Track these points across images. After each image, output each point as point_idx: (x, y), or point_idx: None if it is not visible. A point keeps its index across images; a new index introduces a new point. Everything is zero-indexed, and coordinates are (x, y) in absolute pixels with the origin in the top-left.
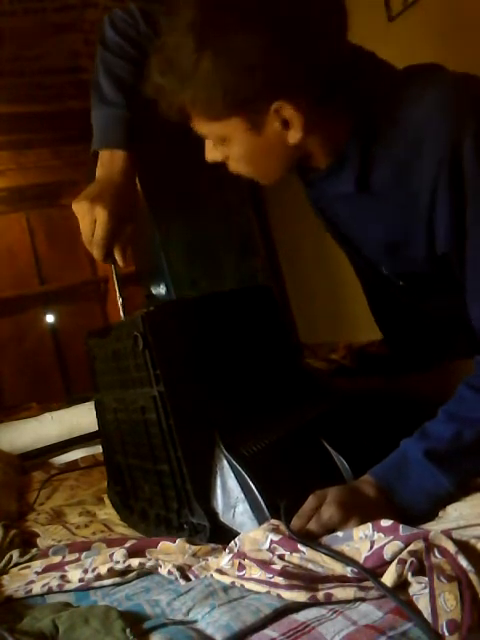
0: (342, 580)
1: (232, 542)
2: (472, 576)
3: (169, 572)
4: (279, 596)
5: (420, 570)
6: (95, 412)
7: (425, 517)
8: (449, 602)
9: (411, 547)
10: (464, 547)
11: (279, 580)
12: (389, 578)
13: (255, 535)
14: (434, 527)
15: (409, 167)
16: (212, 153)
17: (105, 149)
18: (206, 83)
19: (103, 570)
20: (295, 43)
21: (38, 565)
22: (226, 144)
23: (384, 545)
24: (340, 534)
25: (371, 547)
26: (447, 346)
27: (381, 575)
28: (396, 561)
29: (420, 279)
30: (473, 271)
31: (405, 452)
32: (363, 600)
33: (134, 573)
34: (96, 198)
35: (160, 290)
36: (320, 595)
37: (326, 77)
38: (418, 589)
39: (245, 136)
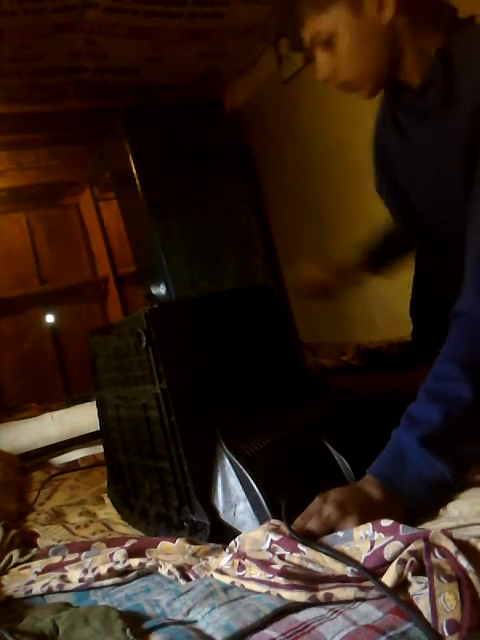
0: (342, 580)
1: (232, 542)
2: (472, 576)
3: (169, 572)
4: (279, 596)
5: (420, 570)
6: (96, 410)
7: (426, 508)
8: (449, 602)
9: (411, 547)
10: (464, 547)
11: (279, 580)
12: (389, 578)
13: (255, 535)
14: (434, 525)
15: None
16: (322, 69)
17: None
18: None
19: (103, 570)
20: None
21: (38, 565)
22: (334, 41)
23: (384, 545)
24: (340, 534)
25: (371, 547)
26: None
27: (381, 575)
28: (396, 561)
29: (456, 231)
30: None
31: (400, 444)
32: (363, 600)
33: (134, 573)
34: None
35: (160, 290)
36: (320, 595)
37: None
38: (418, 589)
39: (348, 22)
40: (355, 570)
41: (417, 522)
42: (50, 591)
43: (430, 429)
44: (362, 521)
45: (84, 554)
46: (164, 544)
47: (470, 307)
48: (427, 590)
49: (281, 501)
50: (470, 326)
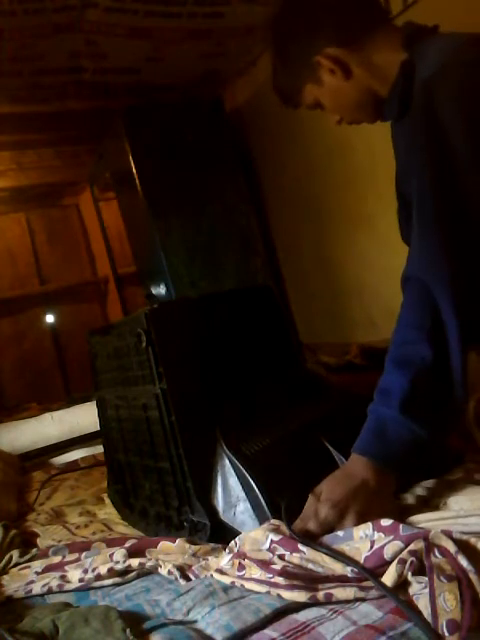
0: (342, 580)
1: (232, 542)
2: (472, 576)
3: (169, 572)
4: (279, 596)
5: (420, 570)
6: (96, 410)
7: (411, 468)
8: (449, 602)
9: (411, 547)
10: (464, 547)
11: (279, 580)
12: (389, 578)
13: (255, 535)
14: (435, 518)
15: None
16: (331, 119)
17: None
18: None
19: (103, 570)
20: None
21: (38, 565)
22: (321, 103)
23: (384, 545)
24: (340, 534)
25: (371, 547)
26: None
27: (381, 575)
28: (396, 561)
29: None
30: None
31: (379, 416)
32: (363, 600)
33: (134, 573)
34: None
35: (160, 290)
36: (320, 595)
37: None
38: (418, 589)
39: (319, 91)
40: (355, 570)
41: (418, 511)
42: (50, 591)
43: (402, 395)
44: (360, 519)
45: (84, 554)
46: (164, 544)
47: (415, 271)
48: (427, 590)
49: (281, 501)
50: (418, 288)
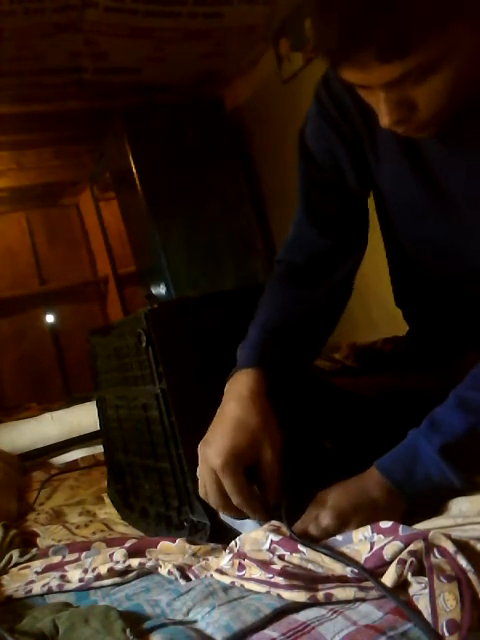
0: (342, 580)
1: (232, 542)
2: (472, 576)
3: (169, 572)
4: (279, 596)
5: (420, 570)
6: (96, 410)
7: (427, 507)
8: (449, 602)
9: (411, 547)
10: (464, 547)
11: (279, 580)
12: (389, 578)
13: (256, 535)
14: (433, 523)
15: None
16: (399, 110)
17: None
18: None
19: (103, 570)
20: None
21: (38, 565)
22: (437, 70)
23: (384, 546)
24: (340, 538)
25: (371, 548)
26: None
27: (381, 575)
28: (396, 561)
29: None
30: None
31: (416, 446)
32: (363, 600)
33: (134, 573)
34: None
35: (160, 290)
36: (320, 595)
37: None
38: (418, 589)
39: (465, 41)
40: (355, 570)
41: (415, 518)
42: (50, 591)
43: (451, 438)
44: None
45: (84, 554)
46: (164, 544)
47: None
48: (427, 590)
49: (281, 501)
50: None
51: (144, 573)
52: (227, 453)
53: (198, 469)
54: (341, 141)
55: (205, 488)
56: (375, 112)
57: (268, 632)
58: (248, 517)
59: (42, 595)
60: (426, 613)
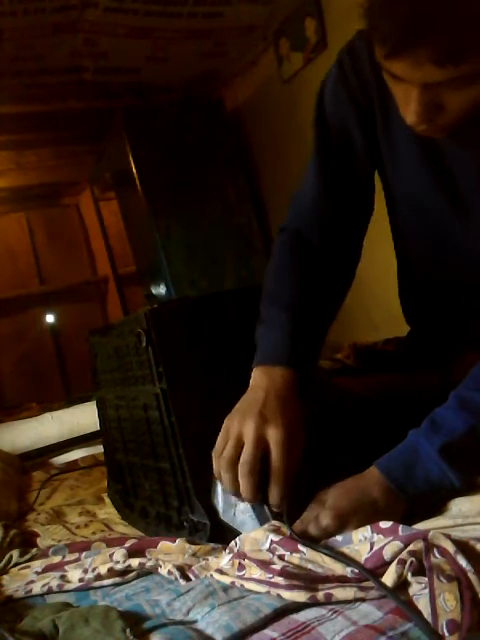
0: (342, 580)
1: (232, 542)
2: (472, 576)
3: (169, 572)
4: (279, 596)
5: (420, 570)
6: (96, 410)
7: (427, 508)
8: (449, 602)
9: (411, 547)
10: (463, 547)
11: (279, 580)
12: (389, 578)
13: (256, 535)
14: (432, 523)
15: None
16: (425, 112)
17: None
18: None
19: (103, 570)
20: None
21: (38, 565)
22: (477, 82)
23: (384, 546)
24: (339, 538)
25: (371, 548)
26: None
27: (381, 576)
28: (396, 561)
29: None
30: None
31: (416, 446)
32: (363, 600)
33: (134, 573)
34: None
35: (160, 290)
36: (320, 595)
37: None
38: (418, 589)
39: None
40: (355, 570)
41: (415, 519)
42: (50, 591)
43: (451, 438)
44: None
45: (84, 554)
46: (164, 544)
47: None
48: (427, 590)
49: (282, 502)
50: None
51: (144, 573)
52: (269, 432)
53: (221, 436)
54: (355, 110)
55: (221, 450)
56: (393, 97)
57: (268, 632)
58: (239, 494)
59: (42, 595)
60: (426, 613)
